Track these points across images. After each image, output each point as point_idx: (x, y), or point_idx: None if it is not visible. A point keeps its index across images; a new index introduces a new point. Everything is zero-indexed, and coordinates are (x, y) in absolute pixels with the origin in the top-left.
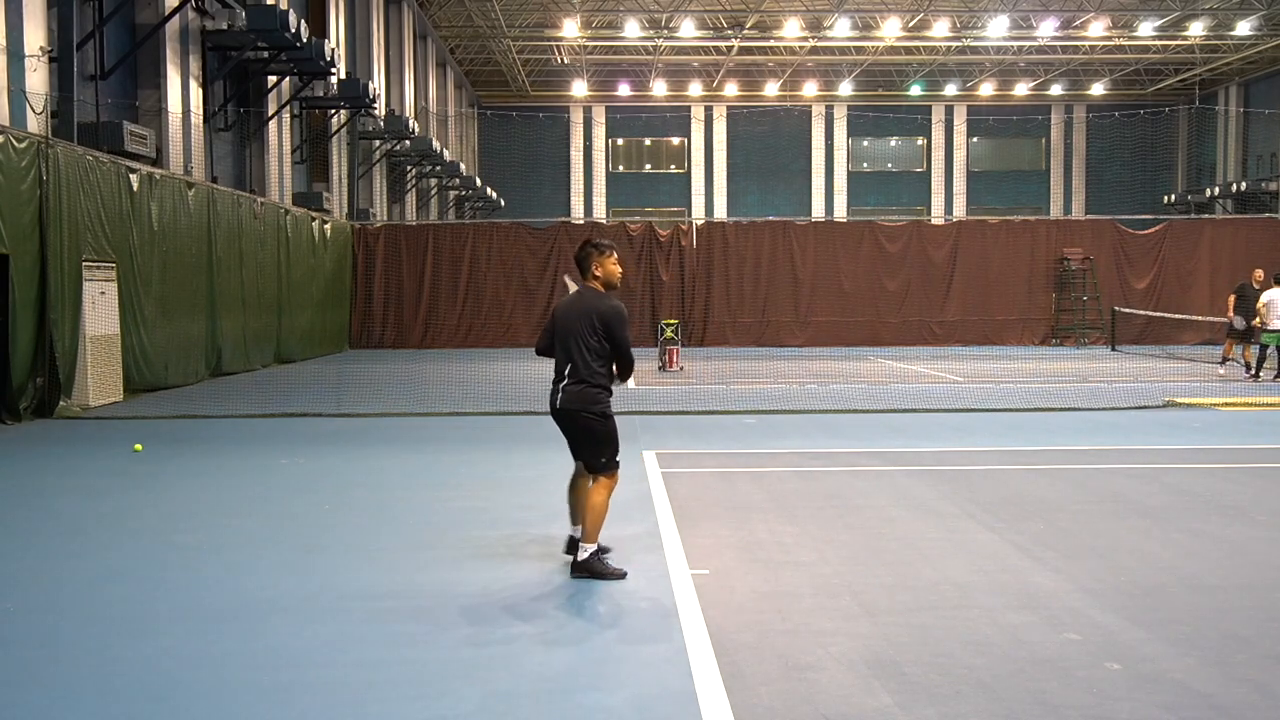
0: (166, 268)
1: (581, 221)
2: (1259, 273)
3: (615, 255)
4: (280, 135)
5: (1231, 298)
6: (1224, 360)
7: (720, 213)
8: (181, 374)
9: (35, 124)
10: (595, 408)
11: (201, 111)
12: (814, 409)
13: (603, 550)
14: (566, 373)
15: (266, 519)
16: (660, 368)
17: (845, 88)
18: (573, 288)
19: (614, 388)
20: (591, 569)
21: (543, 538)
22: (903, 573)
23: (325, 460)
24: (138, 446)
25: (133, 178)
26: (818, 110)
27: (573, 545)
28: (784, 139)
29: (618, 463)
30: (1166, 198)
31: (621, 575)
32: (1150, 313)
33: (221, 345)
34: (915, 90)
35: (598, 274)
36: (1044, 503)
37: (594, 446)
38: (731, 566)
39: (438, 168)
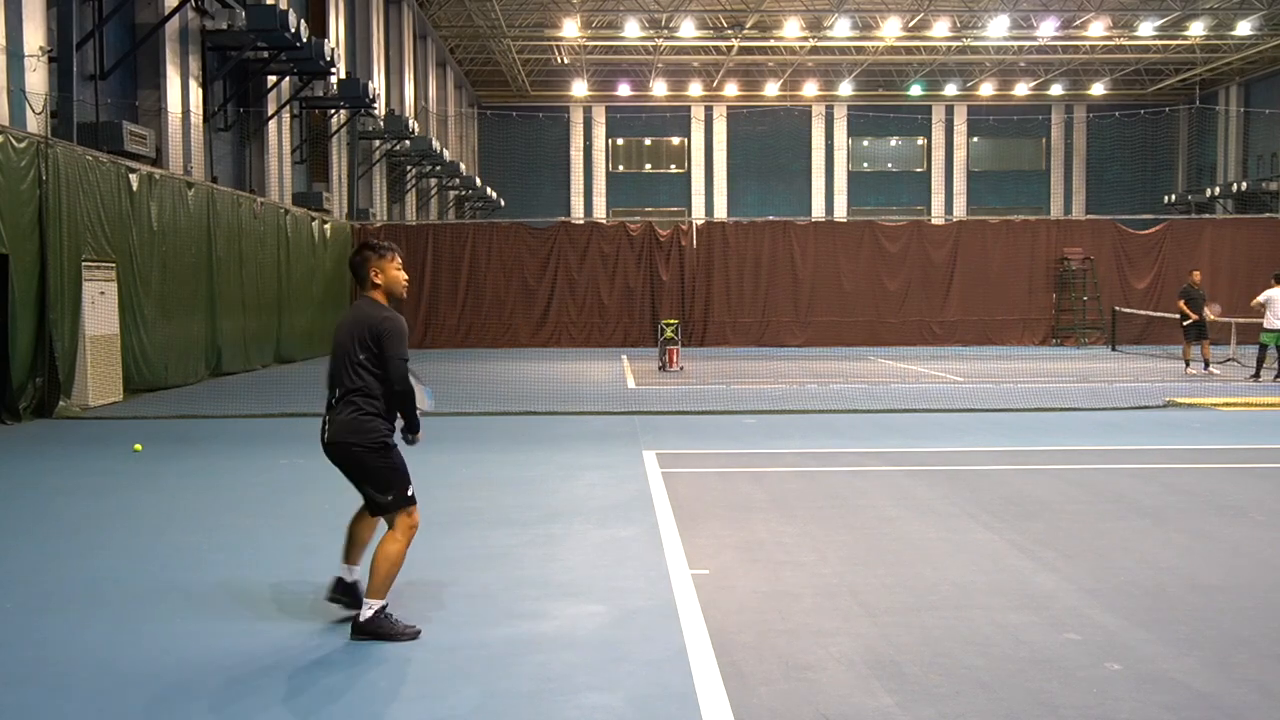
0: (166, 268)
1: (581, 221)
2: (1196, 274)
3: (398, 259)
4: (280, 135)
5: (1181, 302)
6: (1187, 363)
7: (720, 213)
8: (181, 374)
9: (35, 124)
10: (368, 437)
11: (201, 111)
12: (814, 409)
13: (384, 609)
14: (334, 399)
15: (266, 519)
16: (660, 367)
17: (845, 88)
18: None
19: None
20: (377, 630)
21: (542, 538)
22: (903, 573)
23: (325, 460)
24: (137, 447)
25: (132, 178)
26: (818, 110)
27: (342, 588)
28: (784, 139)
29: (410, 499)
30: (1167, 198)
31: (414, 635)
32: (1151, 313)
33: (221, 345)
34: (915, 90)
35: (378, 281)
36: (1044, 503)
37: (374, 484)
38: (731, 566)
39: (438, 168)
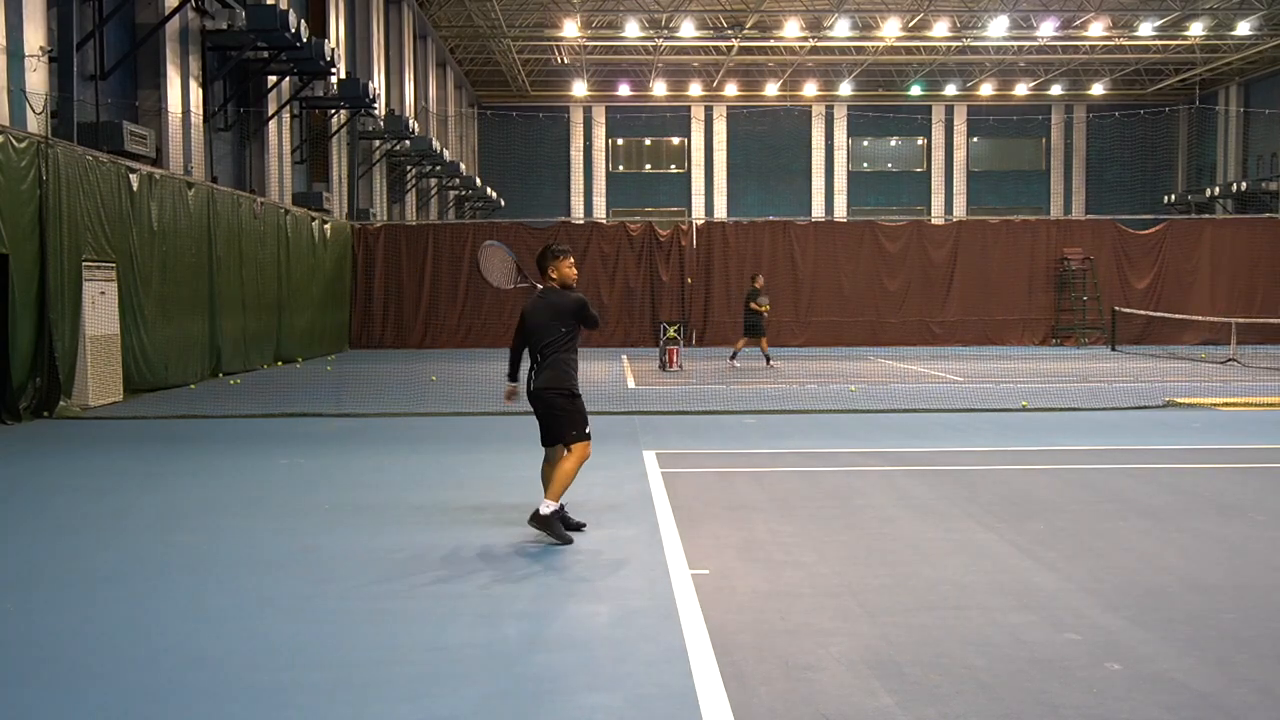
0: (166, 268)
1: (581, 221)
2: None
3: (570, 259)
4: (280, 135)
5: None
6: None
7: (720, 213)
8: (181, 374)
9: (35, 124)
10: (565, 385)
11: (201, 111)
12: (814, 409)
13: (563, 514)
14: (536, 362)
15: (266, 519)
16: (660, 367)
17: (845, 88)
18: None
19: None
20: (547, 525)
21: (543, 537)
22: (903, 573)
23: (325, 460)
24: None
25: (132, 178)
26: (818, 110)
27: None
28: (784, 139)
29: (588, 435)
30: (1166, 198)
31: (568, 541)
32: (1151, 313)
33: (221, 345)
34: (915, 90)
35: (554, 276)
36: (1044, 503)
37: (564, 421)
38: (731, 566)
39: (438, 168)
